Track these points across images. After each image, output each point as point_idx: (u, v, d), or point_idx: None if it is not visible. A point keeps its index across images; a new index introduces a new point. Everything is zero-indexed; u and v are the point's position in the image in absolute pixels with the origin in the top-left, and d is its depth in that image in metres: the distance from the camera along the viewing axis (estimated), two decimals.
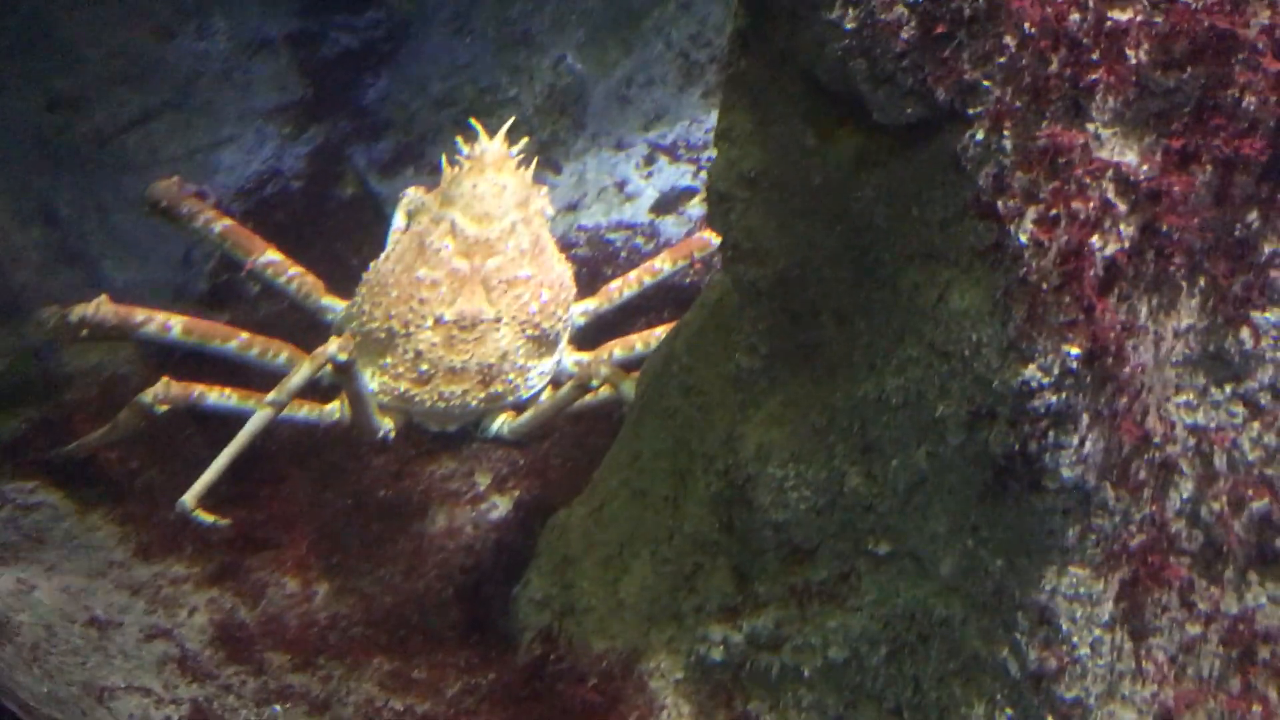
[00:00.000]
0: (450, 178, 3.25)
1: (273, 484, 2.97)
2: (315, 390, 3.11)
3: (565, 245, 3.94)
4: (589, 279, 3.69)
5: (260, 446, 2.93)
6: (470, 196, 3.18)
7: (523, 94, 4.72)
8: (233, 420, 2.92)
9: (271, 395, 2.81)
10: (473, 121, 3.33)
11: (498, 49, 4.88)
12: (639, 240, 4.07)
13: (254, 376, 3.15)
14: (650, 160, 4.49)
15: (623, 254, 3.99)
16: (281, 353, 3.11)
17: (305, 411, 3.06)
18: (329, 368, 2.82)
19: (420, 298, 3.12)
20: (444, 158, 3.34)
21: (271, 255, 3.30)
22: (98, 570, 2.75)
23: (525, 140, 3.41)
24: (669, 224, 4.18)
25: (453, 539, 2.86)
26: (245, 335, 3.12)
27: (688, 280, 3.69)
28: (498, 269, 3.15)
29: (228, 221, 3.33)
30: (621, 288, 3.47)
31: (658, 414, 2.49)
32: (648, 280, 3.49)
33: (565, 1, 4.92)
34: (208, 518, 2.82)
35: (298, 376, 2.79)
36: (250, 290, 3.82)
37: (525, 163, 3.34)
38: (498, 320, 3.14)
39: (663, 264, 3.51)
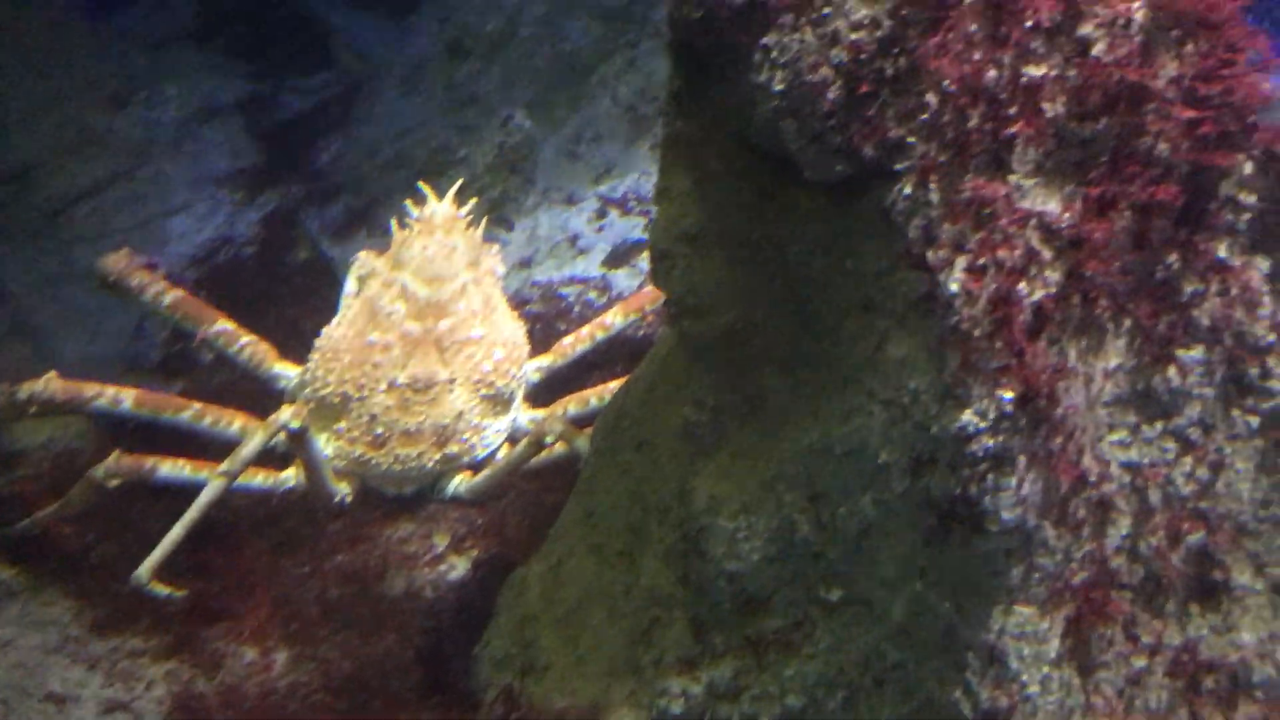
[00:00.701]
0: (400, 241, 3.27)
1: (229, 553, 2.96)
2: (271, 457, 3.11)
3: (519, 301, 3.97)
4: (543, 334, 3.72)
5: (216, 515, 2.92)
6: (420, 259, 3.21)
7: (473, 153, 4.78)
8: (188, 490, 2.92)
9: (224, 465, 2.81)
10: (421, 185, 3.37)
11: (447, 109, 4.95)
12: (592, 294, 4.11)
13: (209, 445, 3.15)
14: (601, 214, 4.55)
15: (576, 308, 4.02)
16: (235, 421, 3.11)
17: (260, 479, 3.05)
18: (282, 436, 2.83)
19: (373, 362, 3.14)
20: (394, 221, 3.37)
21: (223, 325, 3.30)
22: (53, 646, 2.73)
23: (474, 201, 3.45)
24: (621, 277, 4.23)
25: (411, 601, 2.86)
26: (198, 406, 3.12)
27: (640, 333, 3.72)
28: (450, 330, 3.17)
29: (178, 293, 3.33)
30: (574, 343, 3.50)
31: (611, 469, 2.51)
32: (600, 335, 3.52)
33: (512, 61, 5.00)
34: (163, 590, 2.81)
35: (250, 446, 2.79)
36: (204, 359, 3.82)
37: (475, 223, 3.38)
38: (451, 381, 3.16)
39: (614, 318, 3.54)
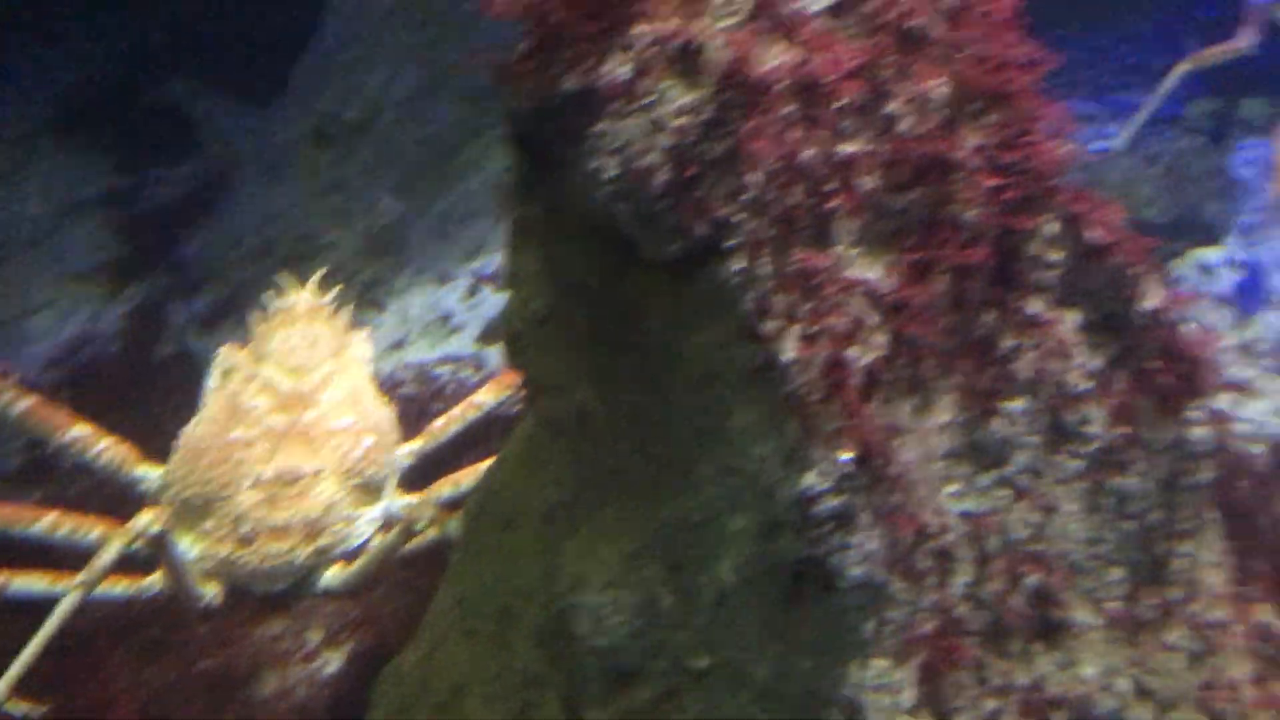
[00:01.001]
0: (262, 333, 3.25)
1: (91, 664, 2.86)
2: (135, 561, 3.03)
3: (392, 383, 3.96)
4: (417, 416, 3.71)
5: (77, 626, 2.82)
6: (282, 350, 3.19)
7: (341, 238, 4.77)
8: (46, 603, 2.82)
9: (81, 576, 2.73)
10: (279, 275, 3.36)
11: (313, 195, 4.94)
12: (466, 372, 4.12)
13: (70, 553, 3.05)
14: (473, 291, 4.57)
15: (450, 387, 4.03)
16: (95, 529, 3.02)
17: (123, 587, 2.97)
18: (141, 541, 2.76)
19: (237, 459, 3.09)
20: (254, 314, 3.35)
21: (78, 430, 3.21)
22: None
23: (338, 287, 3.44)
24: (495, 354, 4.24)
25: (284, 700, 2.80)
26: (54, 515, 3.02)
27: (516, 409, 3.73)
28: (316, 420, 3.15)
29: (29, 400, 3.23)
30: (446, 424, 3.49)
31: (480, 552, 2.52)
32: (472, 414, 3.52)
33: (378, 144, 5.02)
34: (21, 706, 2.70)
35: (107, 554, 2.72)
36: (63, 463, 3.71)
37: (338, 310, 3.37)
38: (319, 472, 3.13)
39: (485, 397, 3.55)
